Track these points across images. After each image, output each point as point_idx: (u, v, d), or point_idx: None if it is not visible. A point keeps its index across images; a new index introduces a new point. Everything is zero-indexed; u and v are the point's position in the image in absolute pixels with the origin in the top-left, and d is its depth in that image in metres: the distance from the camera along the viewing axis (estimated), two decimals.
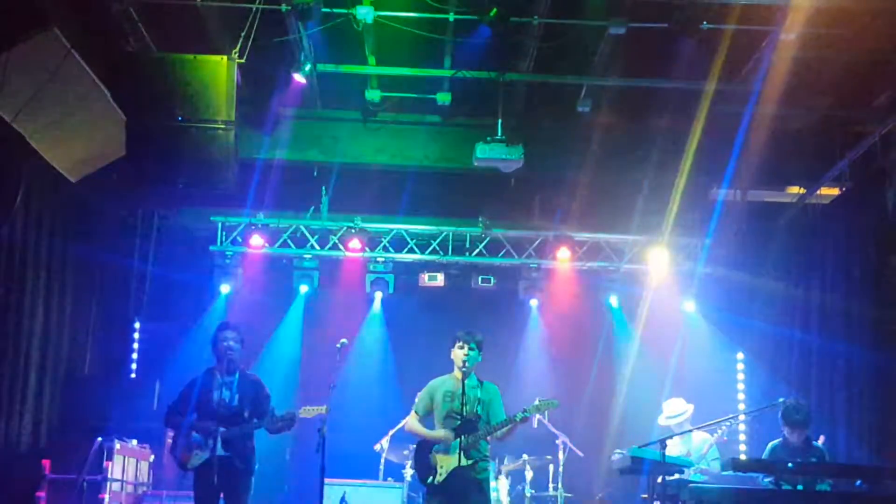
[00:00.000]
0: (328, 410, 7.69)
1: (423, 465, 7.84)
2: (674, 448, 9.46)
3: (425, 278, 12.66)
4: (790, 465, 7.61)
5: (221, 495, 7.86)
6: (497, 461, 10.42)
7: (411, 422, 8.09)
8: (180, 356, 11.66)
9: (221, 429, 7.82)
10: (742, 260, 12.40)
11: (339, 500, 10.05)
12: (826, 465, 8.36)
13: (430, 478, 7.74)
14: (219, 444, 7.77)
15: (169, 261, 12.35)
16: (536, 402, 7.82)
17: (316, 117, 11.53)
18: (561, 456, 10.61)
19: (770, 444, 8.65)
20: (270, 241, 12.29)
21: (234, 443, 7.87)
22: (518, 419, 7.66)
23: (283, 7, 8.71)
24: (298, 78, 9.81)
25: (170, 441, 8.57)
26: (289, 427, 8.00)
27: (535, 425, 10.32)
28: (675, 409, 9.83)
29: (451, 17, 9.34)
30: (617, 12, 9.08)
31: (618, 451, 8.38)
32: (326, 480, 7.70)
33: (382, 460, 10.65)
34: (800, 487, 7.58)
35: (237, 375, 8.08)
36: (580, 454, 10.75)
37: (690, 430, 9.19)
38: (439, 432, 7.78)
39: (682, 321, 12.77)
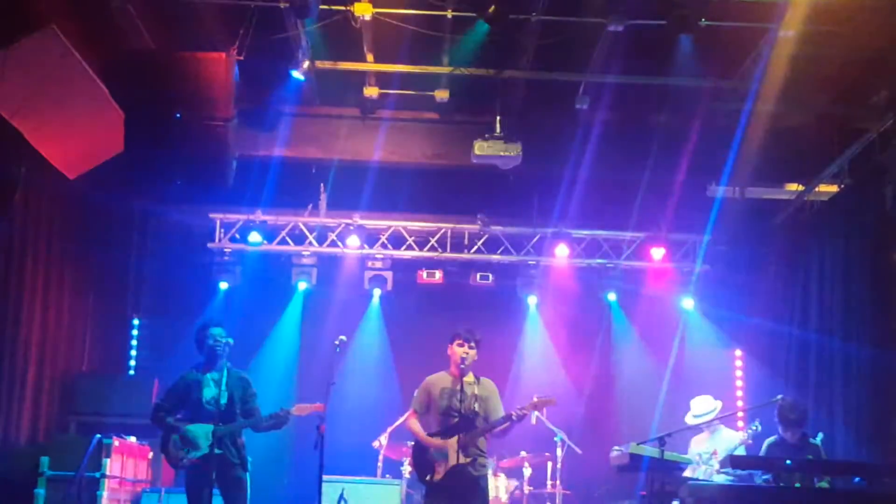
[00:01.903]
0: (325, 408, 7.69)
1: (422, 464, 7.83)
2: (700, 445, 9.45)
3: (423, 275, 12.66)
4: (788, 462, 7.61)
5: (215, 493, 7.81)
6: (495, 458, 10.42)
7: (412, 421, 8.07)
8: (179, 353, 11.61)
9: (211, 427, 7.79)
10: (740, 257, 12.41)
11: (338, 497, 10.05)
12: (824, 463, 8.36)
13: (429, 476, 7.74)
14: (209, 442, 7.73)
15: (167, 257, 12.36)
16: (534, 400, 7.82)
17: (314, 114, 11.54)
18: (559, 453, 10.61)
19: (766, 442, 8.64)
20: (269, 238, 12.29)
21: (224, 440, 7.82)
22: (515, 417, 7.66)
23: (282, 4, 8.70)
24: (297, 75, 9.81)
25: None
26: (280, 425, 7.96)
27: (534, 422, 10.29)
28: (702, 408, 9.78)
29: (450, 14, 9.34)
30: (615, 9, 9.07)
31: (616, 448, 8.37)
32: (325, 477, 7.69)
33: (381, 457, 10.65)
34: (797, 486, 7.58)
35: (225, 372, 7.99)
36: (578, 451, 10.75)
37: (717, 427, 9.24)
38: (437, 441, 7.75)
39: (681, 318, 12.78)
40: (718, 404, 9.80)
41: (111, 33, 9.00)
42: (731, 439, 9.51)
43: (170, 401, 8.10)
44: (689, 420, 9.69)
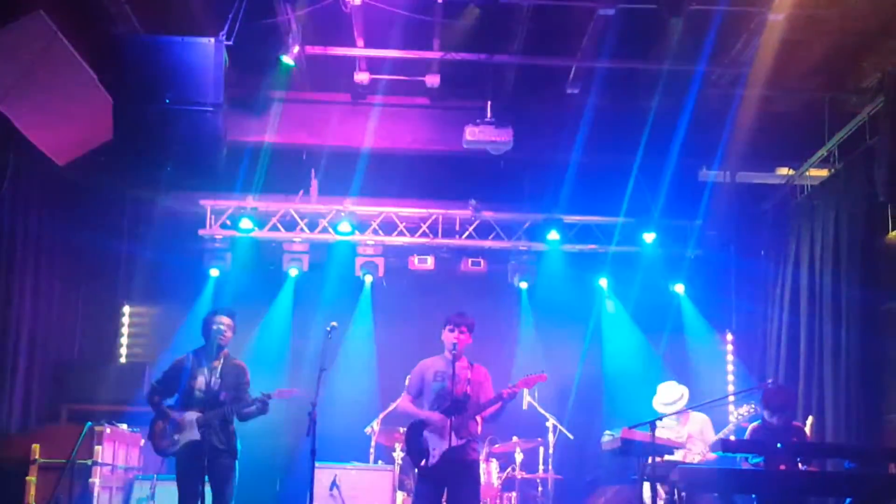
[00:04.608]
0: (298, 392, 7.73)
1: (415, 448, 7.87)
2: (669, 431, 9.48)
3: (415, 261, 12.64)
4: (779, 445, 7.64)
5: (205, 480, 7.81)
6: (487, 443, 10.44)
7: (404, 402, 8.13)
8: (170, 340, 11.63)
9: (199, 414, 7.81)
10: (731, 241, 12.44)
11: (330, 483, 10.07)
12: (815, 446, 8.40)
13: (423, 461, 7.76)
14: (197, 429, 7.75)
15: (157, 244, 12.30)
16: (523, 376, 7.89)
17: (304, 100, 11.47)
18: (551, 438, 10.65)
19: (750, 426, 8.68)
20: (259, 225, 12.27)
21: (213, 427, 7.83)
22: (505, 395, 7.71)
23: None
24: (287, 60, 9.76)
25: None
26: (261, 411, 7.95)
27: (525, 406, 10.35)
28: (671, 395, 9.80)
29: None
30: None
31: (608, 432, 8.41)
32: (317, 464, 7.71)
33: (373, 443, 10.67)
34: (782, 468, 7.62)
35: (222, 360, 8.04)
36: (570, 436, 10.79)
37: (685, 411, 9.24)
38: (433, 415, 7.79)
39: (672, 303, 12.80)
40: (685, 390, 9.86)
41: (99, 18, 8.94)
42: (701, 421, 9.58)
43: (164, 383, 8.13)
44: (658, 407, 9.73)
